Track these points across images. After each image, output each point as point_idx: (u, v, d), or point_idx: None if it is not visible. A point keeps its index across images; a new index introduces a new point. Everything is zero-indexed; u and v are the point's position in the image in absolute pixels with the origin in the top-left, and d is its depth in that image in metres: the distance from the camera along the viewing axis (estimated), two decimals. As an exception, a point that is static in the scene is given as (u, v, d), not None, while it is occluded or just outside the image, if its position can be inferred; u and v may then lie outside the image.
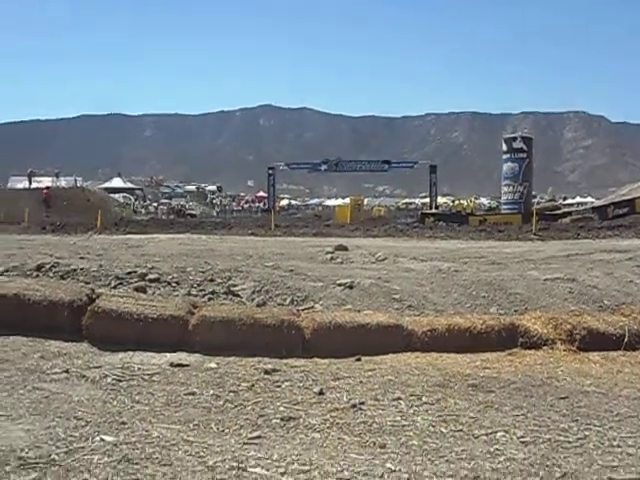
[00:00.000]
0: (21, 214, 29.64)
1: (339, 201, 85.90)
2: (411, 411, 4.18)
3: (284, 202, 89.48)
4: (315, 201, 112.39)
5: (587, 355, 5.85)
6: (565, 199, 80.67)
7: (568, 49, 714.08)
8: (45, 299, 5.95)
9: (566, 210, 38.88)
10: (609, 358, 5.81)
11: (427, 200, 62.76)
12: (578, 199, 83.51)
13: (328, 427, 3.86)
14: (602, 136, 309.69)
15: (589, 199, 75.17)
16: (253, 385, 4.71)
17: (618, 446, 3.60)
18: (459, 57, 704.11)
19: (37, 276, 7.85)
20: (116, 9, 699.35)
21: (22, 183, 58.02)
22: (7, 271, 8.07)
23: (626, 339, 6.11)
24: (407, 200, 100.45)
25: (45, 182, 55.49)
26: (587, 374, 5.27)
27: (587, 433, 3.81)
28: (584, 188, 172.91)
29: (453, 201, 72.61)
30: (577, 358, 5.77)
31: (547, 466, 3.30)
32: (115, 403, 4.19)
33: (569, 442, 3.66)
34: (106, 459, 3.19)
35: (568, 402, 4.44)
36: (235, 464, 3.21)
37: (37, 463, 3.11)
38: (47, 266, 8.21)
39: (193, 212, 59.49)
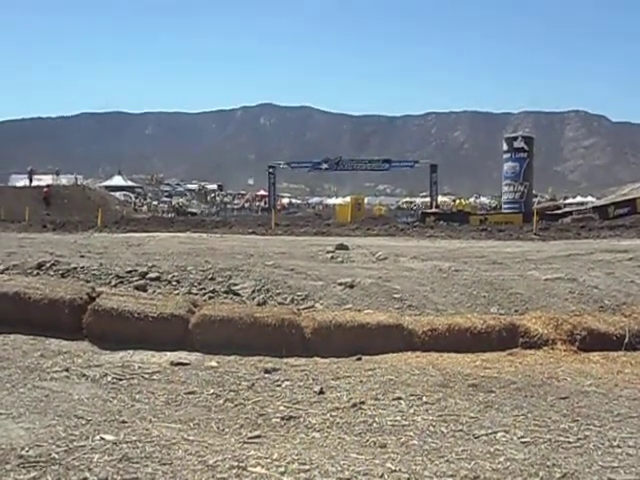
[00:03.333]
0: (22, 212, 29.68)
1: (340, 200, 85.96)
2: (411, 411, 4.18)
3: (285, 201, 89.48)
4: (316, 200, 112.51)
5: (587, 355, 5.84)
6: (566, 199, 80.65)
7: (570, 48, 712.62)
8: (45, 297, 5.95)
9: (567, 210, 38.91)
10: (609, 358, 5.80)
11: (428, 199, 62.80)
12: (579, 199, 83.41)
13: (328, 427, 3.86)
14: (603, 136, 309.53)
15: (590, 199, 75.10)
16: (253, 384, 4.71)
17: (618, 446, 3.60)
18: (460, 56, 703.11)
19: (37, 274, 7.84)
20: (120, 9, 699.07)
21: (23, 181, 58.17)
22: (7, 269, 8.06)
23: (627, 339, 6.10)
24: (408, 199, 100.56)
25: (45, 180, 55.65)
26: (587, 374, 5.26)
27: (587, 433, 3.81)
28: (585, 188, 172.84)
29: (454, 200, 72.65)
30: (577, 358, 5.77)
31: (547, 466, 3.29)
32: (115, 402, 4.19)
33: (569, 442, 3.66)
34: (106, 458, 3.19)
35: (568, 402, 4.44)
36: (235, 463, 3.20)
37: (37, 462, 3.11)
38: (47, 264, 8.19)
39: (193, 210, 59.56)
